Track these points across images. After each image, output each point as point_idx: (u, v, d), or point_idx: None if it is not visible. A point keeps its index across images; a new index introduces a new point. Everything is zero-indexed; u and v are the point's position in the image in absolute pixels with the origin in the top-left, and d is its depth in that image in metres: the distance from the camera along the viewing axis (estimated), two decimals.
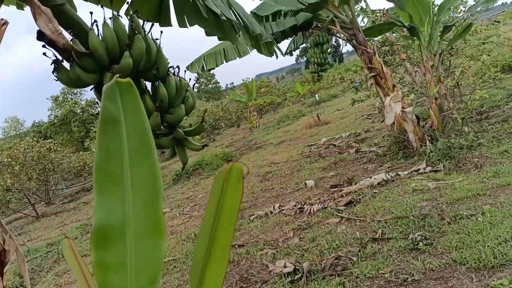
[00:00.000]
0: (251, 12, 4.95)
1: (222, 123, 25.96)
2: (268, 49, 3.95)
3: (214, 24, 2.30)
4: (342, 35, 6.36)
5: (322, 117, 14.64)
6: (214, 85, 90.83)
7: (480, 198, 4.28)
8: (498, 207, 3.90)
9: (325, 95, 27.39)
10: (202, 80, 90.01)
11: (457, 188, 4.64)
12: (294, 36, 6.74)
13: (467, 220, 3.85)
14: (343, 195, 5.77)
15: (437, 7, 6.05)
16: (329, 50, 6.23)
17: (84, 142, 31.67)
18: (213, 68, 6.57)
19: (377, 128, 9.99)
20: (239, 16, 2.68)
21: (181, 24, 2.15)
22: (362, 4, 12.36)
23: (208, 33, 2.47)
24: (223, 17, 2.27)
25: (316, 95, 27.09)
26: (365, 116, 12.30)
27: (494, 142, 5.80)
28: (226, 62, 6.55)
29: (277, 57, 5.07)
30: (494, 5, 10.70)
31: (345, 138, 10.18)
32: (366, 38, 6.46)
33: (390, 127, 7.00)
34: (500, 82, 8.70)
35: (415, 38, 6.14)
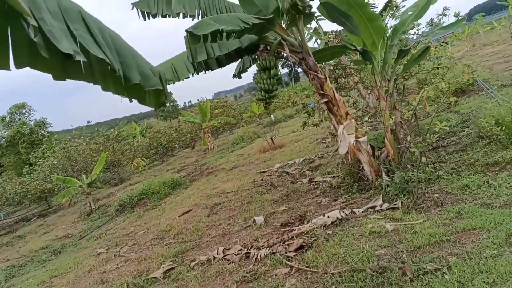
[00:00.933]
0: (186, 30, 4.28)
1: (176, 145, 24.95)
2: (155, 99, 3.20)
3: (60, 65, 1.60)
4: (292, 59, 5.82)
5: (277, 140, 14.12)
6: (172, 103, 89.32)
7: (444, 245, 3.76)
8: (465, 260, 3.38)
9: (281, 115, 27.11)
10: None
11: (418, 232, 4.12)
12: (240, 59, 6.14)
13: (432, 276, 3.29)
14: (294, 237, 5.14)
15: (391, 29, 5.67)
16: (278, 75, 5.68)
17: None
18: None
19: (331, 154, 9.54)
20: (121, 55, 2.00)
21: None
22: (315, 24, 12.08)
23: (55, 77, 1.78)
24: (80, 57, 1.58)
25: (272, 116, 26.75)
26: (319, 140, 11.89)
27: (454, 174, 5.40)
28: (178, 80, 5.83)
29: (164, 105, 4.46)
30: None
31: (298, 164, 9.65)
32: (317, 62, 5.96)
33: (344, 156, 6.52)
34: (454, 106, 8.52)
35: (368, 62, 5.72)
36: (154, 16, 5.88)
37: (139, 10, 5.85)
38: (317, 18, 11.23)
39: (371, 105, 10.86)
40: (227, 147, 19.09)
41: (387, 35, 5.65)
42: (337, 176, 7.12)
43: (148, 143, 22.72)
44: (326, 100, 5.89)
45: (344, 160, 6.84)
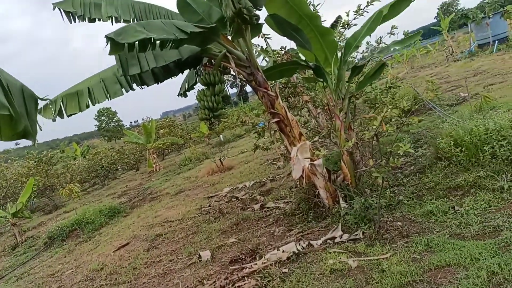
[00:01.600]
0: (107, 36, 3.53)
1: (119, 167, 23.43)
2: (8, 128, 2.46)
3: None
4: (239, 74, 5.22)
5: (226, 161, 13.42)
6: (116, 123, 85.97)
7: (418, 287, 3.23)
8: None
9: (230, 135, 26.46)
10: (103, 118, 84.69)
11: (386, 271, 3.57)
12: (180, 73, 5.43)
13: None
14: (245, 277, 4.43)
15: (344, 44, 5.24)
16: (223, 92, 5.04)
17: None
18: (75, 113, 4.95)
19: (283, 177, 8.99)
20: None
21: None
22: (261, 42, 11.56)
23: None
24: None
25: (221, 136, 26.06)
26: (270, 161, 11.33)
27: (415, 199, 4.97)
28: (94, 104, 4.98)
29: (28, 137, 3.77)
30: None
31: (249, 188, 9.00)
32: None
33: (298, 180, 5.97)
34: (407, 126, 8.29)
35: (321, 79, 5.24)
36: (81, 18, 5.05)
37: (62, 10, 5.01)
38: (265, 36, 10.81)
39: (322, 124, 10.53)
40: (173, 169, 18.07)
41: (340, 51, 5.23)
42: (290, 202, 6.54)
43: (87, 165, 21.09)
44: (277, 119, 5.32)
45: (298, 184, 6.29)
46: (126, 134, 21.21)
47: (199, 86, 6.23)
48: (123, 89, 5.01)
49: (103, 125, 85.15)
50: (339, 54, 5.31)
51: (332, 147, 10.64)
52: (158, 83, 5.26)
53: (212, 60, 5.51)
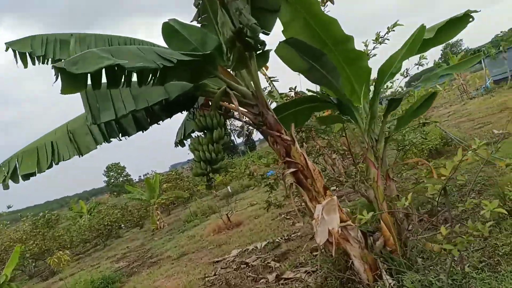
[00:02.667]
0: (55, 66, 2.46)
1: (122, 225, 22.02)
2: None
3: None
4: (244, 117, 4.10)
5: (234, 216, 12.08)
6: (125, 178, 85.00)
7: None
8: None
9: (238, 185, 25.14)
10: (111, 173, 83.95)
11: None
12: (169, 118, 4.33)
13: None
14: None
15: (377, 72, 4.15)
16: (223, 139, 3.89)
17: None
18: (32, 175, 3.80)
19: (300, 235, 7.65)
20: None
21: None
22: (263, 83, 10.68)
23: None
24: None
25: (229, 187, 24.77)
26: (283, 215, 10.01)
27: (487, 270, 3.65)
28: (56, 163, 3.85)
29: None
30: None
31: (261, 250, 7.64)
32: None
33: (322, 246, 4.69)
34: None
35: (348, 117, 4.11)
36: (41, 59, 4.05)
37: (17, 52, 4.02)
38: (271, 79, 9.86)
39: (337, 170, 9.30)
40: (178, 226, 16.67)
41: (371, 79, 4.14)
42: (314, 271, 5.20)
43: (88, 225, 19.74)
44: (294, 169, 4.13)
45: (323, 249, 4.99)
46: (128, 191, 20.00)
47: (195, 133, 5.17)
48: (96, 142, 3.89)
49: (112, 181, 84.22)
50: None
51: (353, 196, 9.36)
52: (143, 131, 4.15)
53: (210, 101, 4.45)
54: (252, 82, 3.95)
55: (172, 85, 3.71)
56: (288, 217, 9.75)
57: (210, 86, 4.01)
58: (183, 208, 25.98)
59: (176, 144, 5.94)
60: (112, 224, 19.66)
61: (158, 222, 18.23)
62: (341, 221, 4.03)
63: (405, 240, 4.12)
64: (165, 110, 4.06)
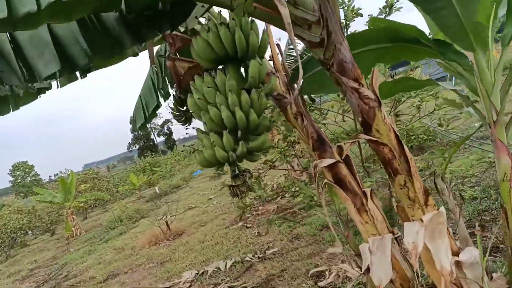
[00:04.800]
0: None
1: (29, 231, 18.22)
2: None
3: None
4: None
5: (173, 223, 9.74)
6: (33, 177, 75.83)
7: None
8: None
9: (167, 186, 22.52)
10: (18, 173, 74.36)
11: None
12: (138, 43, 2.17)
13: None
14: None
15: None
16: (270, 85, 1.83)
17: None
18: None
19: (279, 252, 5.71)
20: None
21: None
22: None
23: None
24: None
25: (156, 187, 22.08)
26: (241, 223, 7.97)
27: None
28: None
29: None
30: None
31: (226, 272, 5.56)
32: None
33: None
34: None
35: (465, 69, 2.27)
36: None
37: None
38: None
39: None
40: (99, 233, 13.73)
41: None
42: None
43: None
44: (376, 143, 2.16)
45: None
46: (37, 192, 16.39)
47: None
48: None
49: (19, 181, 74.66)
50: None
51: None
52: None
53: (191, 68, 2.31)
54: None
55: None
56: (248, 225, 7.75)
57: None
58: (102, 211, 22.47)
59: (135, 127, 3.84)
60: (16, 231, 15.94)
61: (73, 229, 15.06)
62: (453, 252, 2.18)
63: None
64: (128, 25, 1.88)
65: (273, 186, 9.09)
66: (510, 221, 2.21)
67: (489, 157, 4.40)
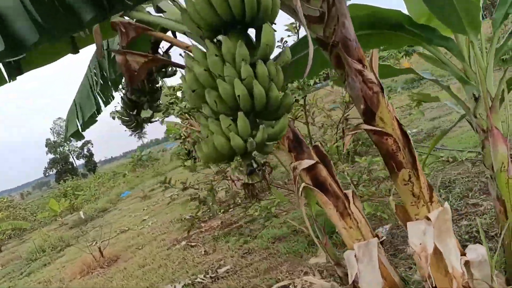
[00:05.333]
0: None
1: None
2: None
3: None
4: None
5: (106, 249, 8.78)
6: None
7: None
8: None
9: (92, 210, 20.82)
10: None
11: None
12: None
13: None
14: None
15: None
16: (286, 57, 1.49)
17: None
18: None
19: (231, 270, 5.29)
20: None
21: None
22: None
23: None
24: None
25: (81, 212, 20.26)
26: (184, 242, 7.38)
27: None
28: None
29: None
30: None
31: None
32: None
33: None
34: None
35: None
36: None
37: None
38: None
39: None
40: (18, 266, 12.06)
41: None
42: None
43: None
44: (380, 133, 1.90)
45: None
46: None
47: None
48: None
49: None
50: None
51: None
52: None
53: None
54: None
55: None
56: (191, 244, 7.19)
57: None
58: (19, 242, 20.01)
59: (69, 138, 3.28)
60: None
61: None
62: (460, 252, 1.99)
63: None
64: None
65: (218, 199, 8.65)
66: (510, 214, 2.08)
67: (441, 157, 4.47)
